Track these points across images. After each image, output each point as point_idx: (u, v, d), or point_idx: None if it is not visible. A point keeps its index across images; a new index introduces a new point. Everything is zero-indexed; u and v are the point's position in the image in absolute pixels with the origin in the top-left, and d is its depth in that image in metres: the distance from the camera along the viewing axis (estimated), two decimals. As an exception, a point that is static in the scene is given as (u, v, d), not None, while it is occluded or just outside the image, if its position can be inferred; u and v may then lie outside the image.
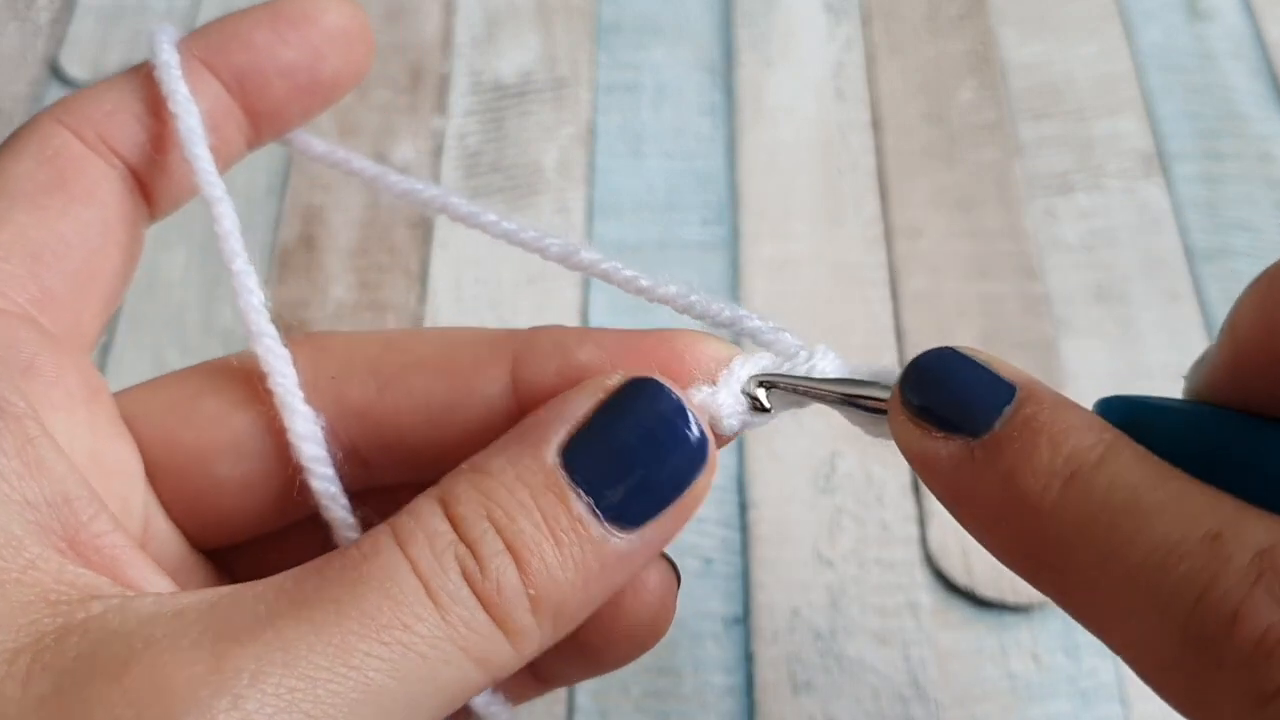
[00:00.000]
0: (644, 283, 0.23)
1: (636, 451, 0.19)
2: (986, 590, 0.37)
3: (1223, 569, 0.17)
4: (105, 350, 0.42)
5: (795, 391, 0.22)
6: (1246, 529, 0.17)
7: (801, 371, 0.22)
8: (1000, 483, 0.19)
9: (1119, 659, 0.19)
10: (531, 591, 0.18)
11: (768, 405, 0.22)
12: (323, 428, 0.22)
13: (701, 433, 0.20)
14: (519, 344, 0.22)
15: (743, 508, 0.38)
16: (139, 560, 0.19)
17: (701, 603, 0.37)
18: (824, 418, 0.24)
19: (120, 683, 0.16)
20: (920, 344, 0.42)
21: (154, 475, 0.22)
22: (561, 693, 0.35)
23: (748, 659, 0.36)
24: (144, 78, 0.23)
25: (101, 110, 0.22)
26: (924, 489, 0.38)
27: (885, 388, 0.21)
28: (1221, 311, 0.43)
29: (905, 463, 0.21)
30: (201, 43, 0.23)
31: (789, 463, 0.39)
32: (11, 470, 0.18)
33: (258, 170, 0.46)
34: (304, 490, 0.22)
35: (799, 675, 0.36)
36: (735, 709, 0.35)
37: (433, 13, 0.51)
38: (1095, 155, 0.47)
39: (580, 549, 0.19)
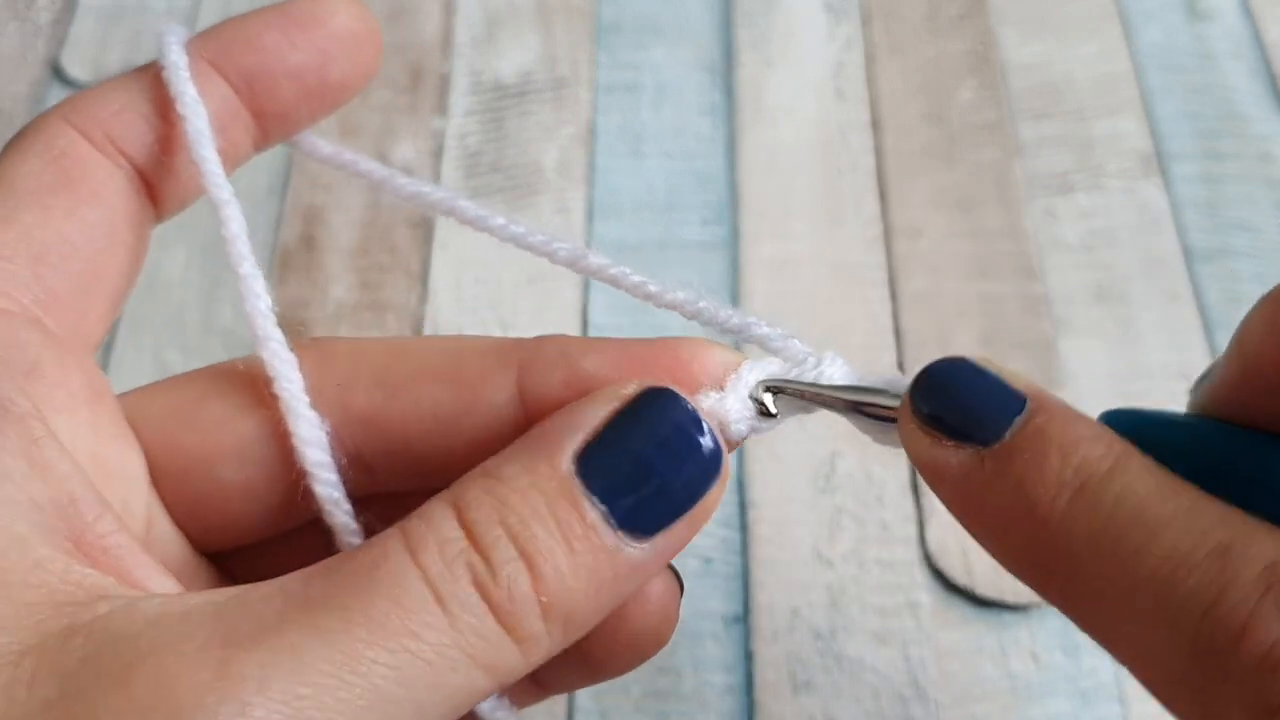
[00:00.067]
0: (652, 288, 0.23)
1: (651, 460, 0.19)
2: (986, 590, 0.37)
3: (1231, 582, 0.17)
4: (106, 350, 0.42)
5: (803, 397, 0.22)
6: (1255, 543, 0.17)
7: (809, 378, 0.22)
8: (1010, 492, 0.19)
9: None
10: (543, 599, 0.18)
11: (774, 411, 0.22)
12: (327, 433, 0.22)
13: (715, 443, 0.20)
14: (525, 353, 0.22)
15: (743, 507, 0.39)
16: (144, 560, 0.19)
17: (702, 602, 0.37)
18: (824, 418, 0.24)
19: (126, 688, 0.16)
20: (920, 344, 0.42)
21: (158, 478, 0.22)
22: (562, 692, 0.35)
23: (748, 658, 0.36)
24: (151, 78, 0.23)
25: (109, 110, 0.22)
26: (924, 489, 0.39)
27: (894, 395, 0.21)
28: (1221, 311, 0.43)
29: (905, 463, 0.21)
30: (210, 44, 0.23)
31: (789, 463, 0.39)
32: (17, 471, 0.18)
33: (259, 171, 0.46)
34: (307, 495, 0.22)
35: (799, 675, 0.36)
36: (735, 708, 0.35)
37: (433, 13, 0.51)
38: (1095, 155, 0.47)
39: (593, 557, 0.19)
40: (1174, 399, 0.40)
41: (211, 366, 0.23)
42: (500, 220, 0.24)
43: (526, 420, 0.22)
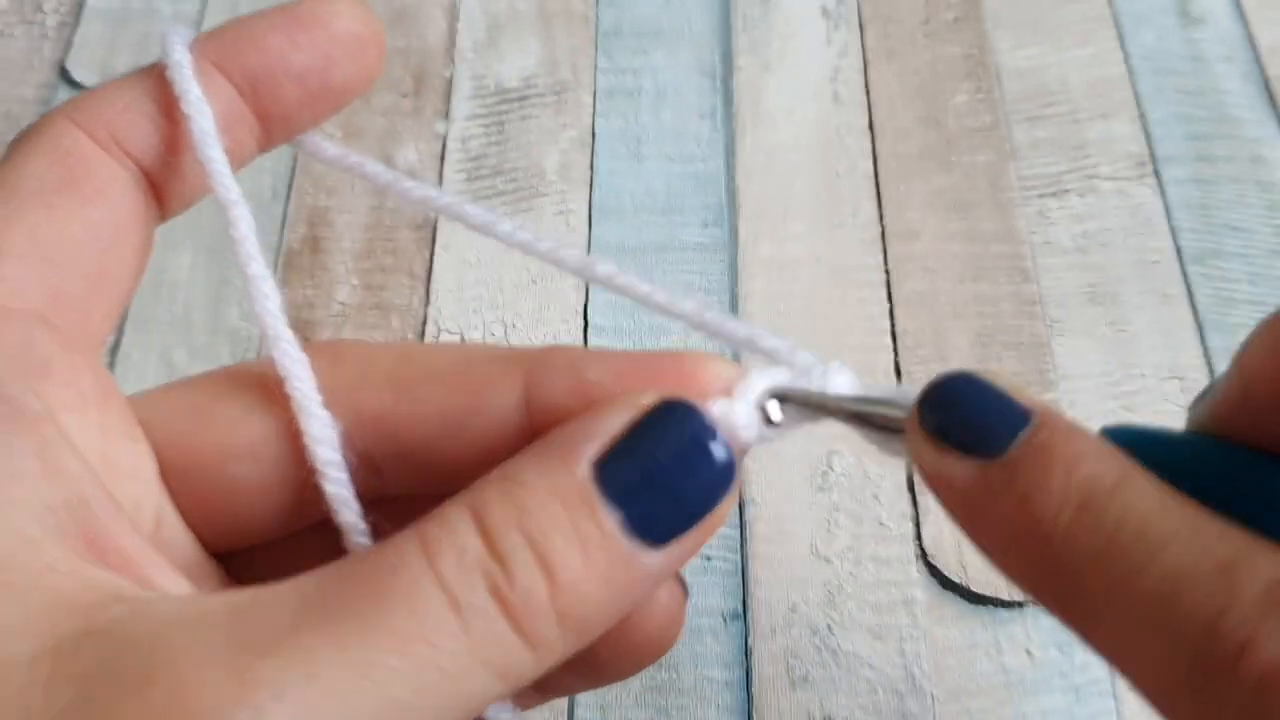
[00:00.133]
0: (659, 298, 0.23)
1: (667, 470, 0.19)
2: (980, 586, 0.37)
3: (1233, 600, 0.17)
4: (112, 350, 0.42)
5: (809, 406, 0.22)
6: (1258, 561, 0.17)
7: (816, 388, 0.22)
8: (1014, 505, 0.19)
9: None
10: (559, 605, 0.18)
11: (777, 419, 0.22)
12: (339, 433, 0.22)
13: (729, 454, 0.20)
14: (532, 361, 0.22)
15: (741, 505, 0.39)
16: (157, 560, 0.19)
17: (700, 598, 0.37)
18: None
19: (144, 694, 0.16)
20: (916, 344, 0.42)
21: (170, 477, 0.22)
22: (563, 687, 0.36)
23: (746, 654, 0.36)
24: (156, 78, 0.22)
25: (114, 110, 0.22)
26: (920, 488, 0.39)
27: (901, 407, 0.21)
28: (1214, 313, 0.43)
29: (901, 462, 0.21)
30: (214, 45, 0.23)
31: (786, 461, 0.40)
32: (29, 473, 0.18)
33: (264, 174, 0.46)
34: (316, 495, 0.22)
35: (796, 670, 0.36)
36: (733, 703, 0.36)
37: (436, 18, 0.51)
38: (1088, 158, 0.47)
39: (608, 563, 0.19)
40: (1167, 399, 0.41)
41: (224, 368, 0.23)
42: (507, 226, 0.23)
43: (531, 427, 0.22)
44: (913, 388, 0.21)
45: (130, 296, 0.23)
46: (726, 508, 0.20)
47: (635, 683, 0.36)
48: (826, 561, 0.38)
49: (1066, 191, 0.46)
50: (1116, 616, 0.18)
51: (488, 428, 0.22)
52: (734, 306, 0.43)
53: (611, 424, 0.20)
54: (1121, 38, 0.51)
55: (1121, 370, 0.42)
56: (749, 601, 0.37)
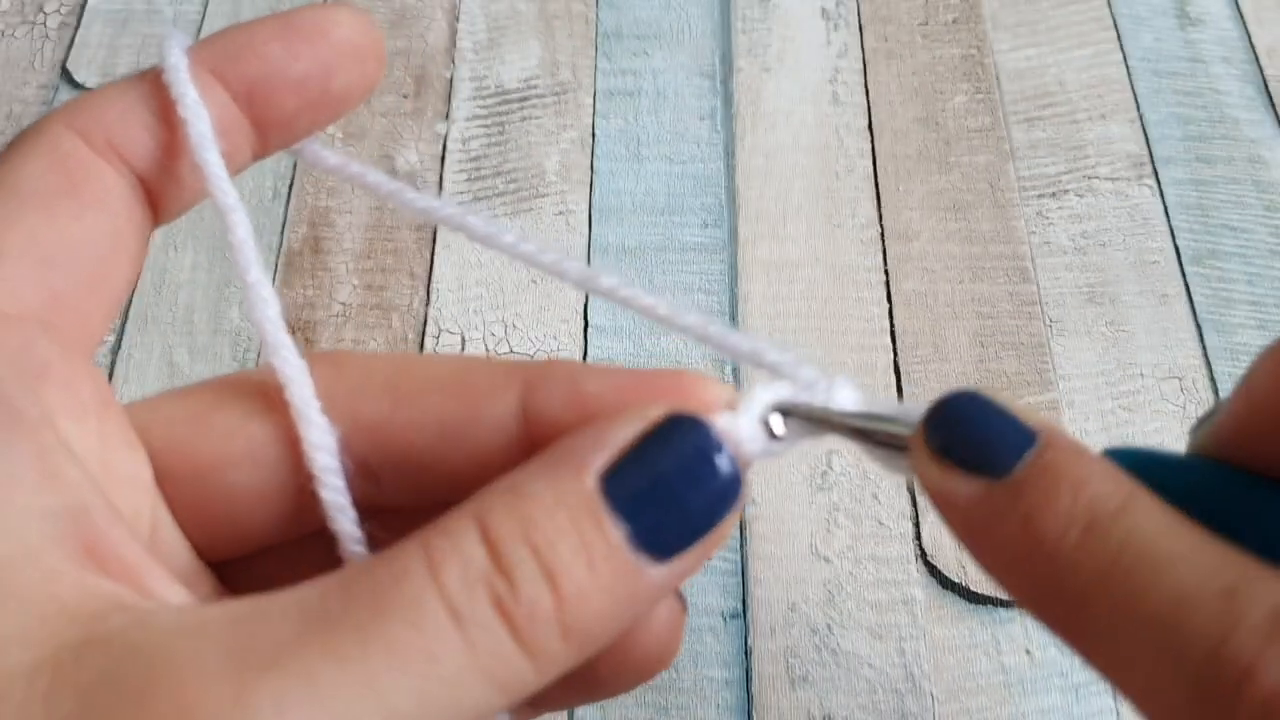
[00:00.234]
0: (663, 311, 0.22)
1: (674, 483, 0.19)
2: (980, 585, 0.37)
3: (1237, 624, 0.16)
4: (114, 350, 0.42)
5: (812, 420, 0.22)
6: (1263, 587, 0.17)
7: (819, 403, 0.22)
8: (1019, 525, 0.19)
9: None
10: (563, 617, 0.18)
11: (780, 433, 0.22)
12: (337, 440, 0.22)
13: (735, 469, 0.20)
14: (531, 373, 0.22)
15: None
16: (155, 568, 0.19)
17: (700, 598, 0.37)
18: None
19: (143, 706, 0.16)
20: (914, 345, 0.42)
21: (167, 483, 0.22)
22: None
23: (746, 653, 0.37)
24: (152, 83, 0.22)
25: (110, 115, 0.22)
26: (919, 488, 0.39)
27: (905, 424, 0.21)
28: (1211, 313, 0.43)
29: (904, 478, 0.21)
30: (211, 52, 0.23)
31: (786, 461, 0.40)
32: (29, 480, 0.18)
33: (265, 174, 0.47)
34: (313, 503, 0.22)
35: (796, 669, 0.36)
36: (733, 702, 0.36)
37: (437, 20, 0.51)
38: (1087, 159, 0.47)
39: (614, 576, 0.19)
40: (1165, 399, 0.41)
41: (223, 376, 0.23)
42: (510, 238, 0.23)
43: (527, 437, 0.22)
44: (917, 405, 0.21)
45: (124, 302, 0.23)
46: (731, 522, 0.20)
47: (635, 681, 0.36)
48: (826, 561, 0.38)
49: (1065, 192, 0.46)
50: (1120, 639, 0.18)
51: (484, 437, 0.22)
52: (733, 307, 0.43)
53: (619, 436, 0.19)
54: (1120, 39, 0.51)
55: (1120, 370, 0.42)
56: (749, 601, 0.37)
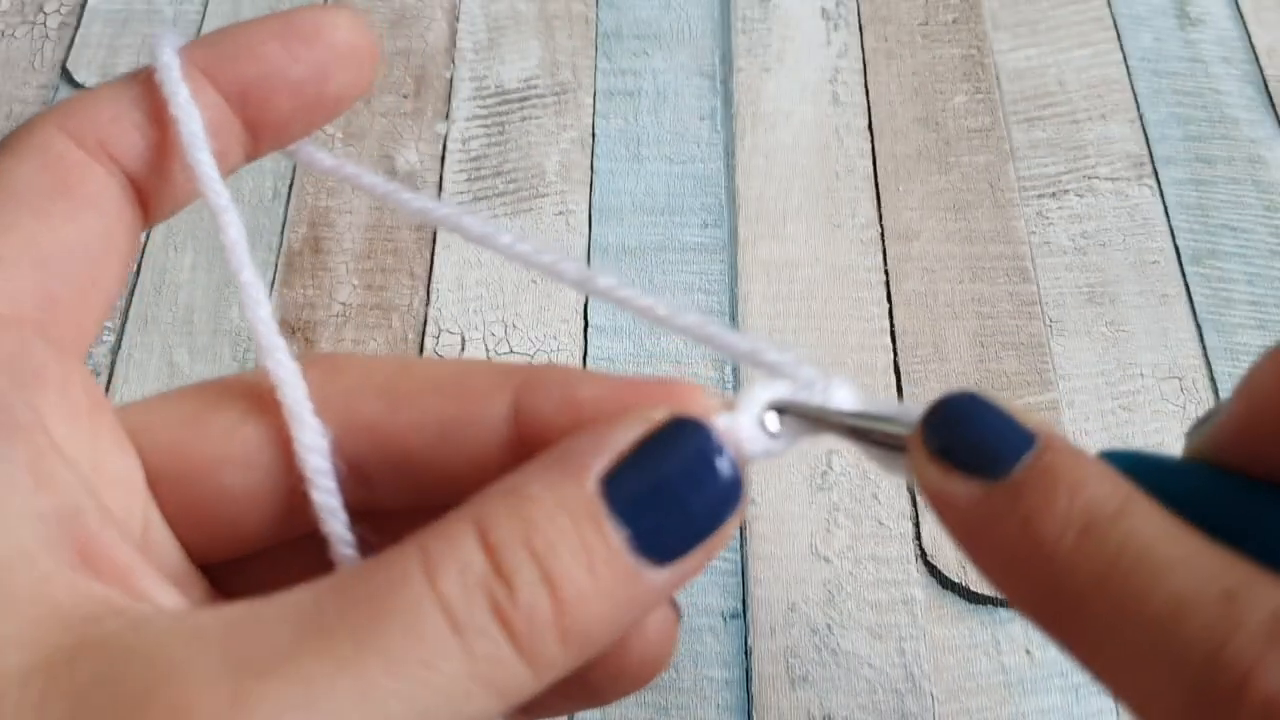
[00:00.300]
0: (661, 311, 0.22)
1: (675, 487, 0.19)
2: (980, 585, 0.37)
3: (1236, 629, 0.16)
4: (114, 350, 0.43)
5: (809, 419, 0.22)
6: (1262, 591, 0.17)
7: (817, 402, 0.22)
8: (1017, 527, 0.19)
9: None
10: (562, 622, 0.18)
11: (774, 429, 0.22)
12: (330, 442, 0.22)
13: (736, 473, 0.20)
14: (525, 376, 0.22)
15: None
16: (148, 571, 0.19)
17: (700, 598, 0.37)
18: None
19: (139, 712, 0.16)
20: (914, 345, 0.42)
21: (160, 485, 0.22)
22: (564, 686, 0.36)
23: (746, 653, 0.37)
24: (144, 83, 0.22)
25: (101, 115, 0.22)
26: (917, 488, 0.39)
27: (903, 425, 0.21)
28: (1211, 312, 0.43)
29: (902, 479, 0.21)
30: (205, 52, 0.22)
31: (786, 461, 0.40)
32: (23, 483, 0.18)
33: (265, 174, 0.47)
34: (305, 505, 0.22)
35: (796, 669, 0.36)
36: (733, 702, 0.36)
37: (437, 20, 0.51)
38: (1087, 159, 0.47)
39: (614, 581, 0.18)
40: (1165, 399, 0.41)
41: (217, 379, 0.23)
42: (506, 238, 0.23)
43: (520, 441, 0.21)
44: (915, 406, 0.21)
45: (115, 302, 0.23)
46: (732, 526, 0.20)
47: (635, 681, 0.36)
48: (826, 561, 0.38)
49: (1065, 192, 0.46)
50: (1117, 642, 0.18)
51: (478, 439, 0.22)
52: (733, 307, 0.43)
53: (620, 439, 0.19)
54: (1120, 39, 0.51)
55: (1120, 370, 0.42)
56: (749, 601, 0.37)
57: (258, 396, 0.22)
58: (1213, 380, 0.42)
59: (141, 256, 0.45)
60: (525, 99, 0.49)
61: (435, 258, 0.45)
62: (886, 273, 0.44)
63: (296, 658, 0.16)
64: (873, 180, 0.47)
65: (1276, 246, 0.45)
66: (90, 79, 0.49)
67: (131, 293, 0.44)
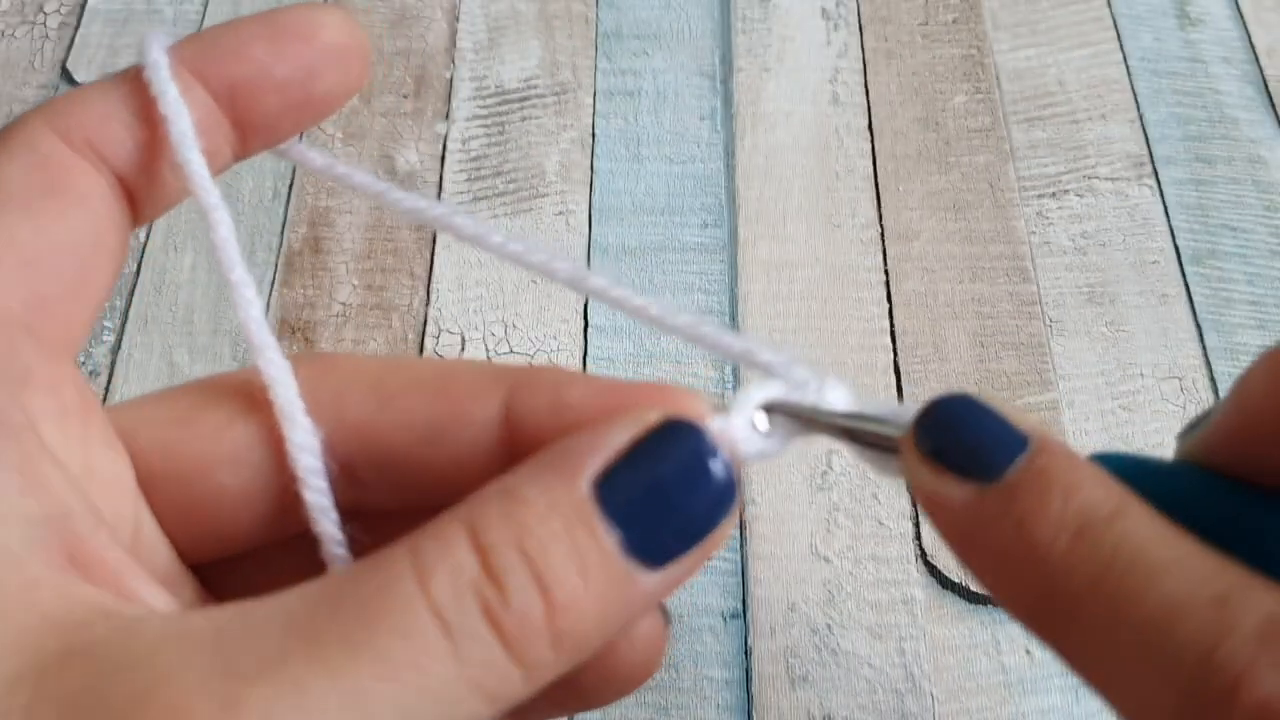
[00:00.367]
0: (654, 311, 0.22)
1: (669, 489, 0.19)
2: (980, 585, 0.37)
3: (1228, 633, 0.16)
4: (114, 350, 0.43)
5: (803, 419, 0.22)
6: (1254, 596, 0.17)
7: (810, 403, 0.22)
8: (1010, 530, 0.19)
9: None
10: (555, 625, 0.18)
11: (768, 431, 0.22)
12: (321, 440, 0.22)
13: (730, 476, 0.20)
14: (516, 377, 0.22)
15: (740, 505, 0.39)
16: (139, 574, 0.19)
17: (700, 598, 0.37)
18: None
19: (128, 719, 0.16)
20: (914, 345, 0.42)
21: (151, 484, 0.22)
22: (564, 686, 0.36)
23: (746, 653, 0.37)
24: (132, 82, 0.22)
25: (90, 114, 0.22)
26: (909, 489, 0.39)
27: (896, 426, 0.21)
28: (1211, 312, 0.43)
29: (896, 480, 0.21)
30: (193, 51, 0.22)
31: (786, 461, 0.40)
32: (11, 486, 0.18)
33: (265, 174, 0.47)
34: (296, 505, 0.22)
35: (796, 669, 0.36)
36: (733, 701, 0.36)
37: (437, 20, 0.51)
38: (1087, 159, 0.47)
39: (606, 584, 0.18)
40: (1165, 399, 0.41)
41: (208, 378, 0.23)
42: (498, 238, 0.23)
43: (509, 442, 0.21)
44: (909, 407, 0.21)
45: (105, 304, 0.23)
46: (726, 529, 0.20)
47: (635, 681, 0.36)
48: (826, 561, 0.38)
49: (1065, 192, 0.46)
50: (1109, 645, 0.18)
51: (468, 439, 0.22)
52: (733, 307, 0.44)
53: (614, 440, 0.19)
54: (1120, 39, 0.51)
55: (1120, 370, 0.42)
56: (749, 601, 0.37)
57: (248, 396, 0.22)
58: (1213, 380, 0.42)
59: (141, 256, 0.45)
60: (525, 99, 0.49)
61: (435, 258, 0.45)
62: (886, 273, 0.44)
63: (286, 661, 0.16)
64: (873, 180, 0.47)
65: (1276, 246, 0.45)
66: (90, 79, 0.49)
67: (131, 293, 0.44)
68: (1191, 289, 0.44)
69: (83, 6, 0.52)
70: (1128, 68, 0.50)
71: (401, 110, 0.48)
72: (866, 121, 0.48)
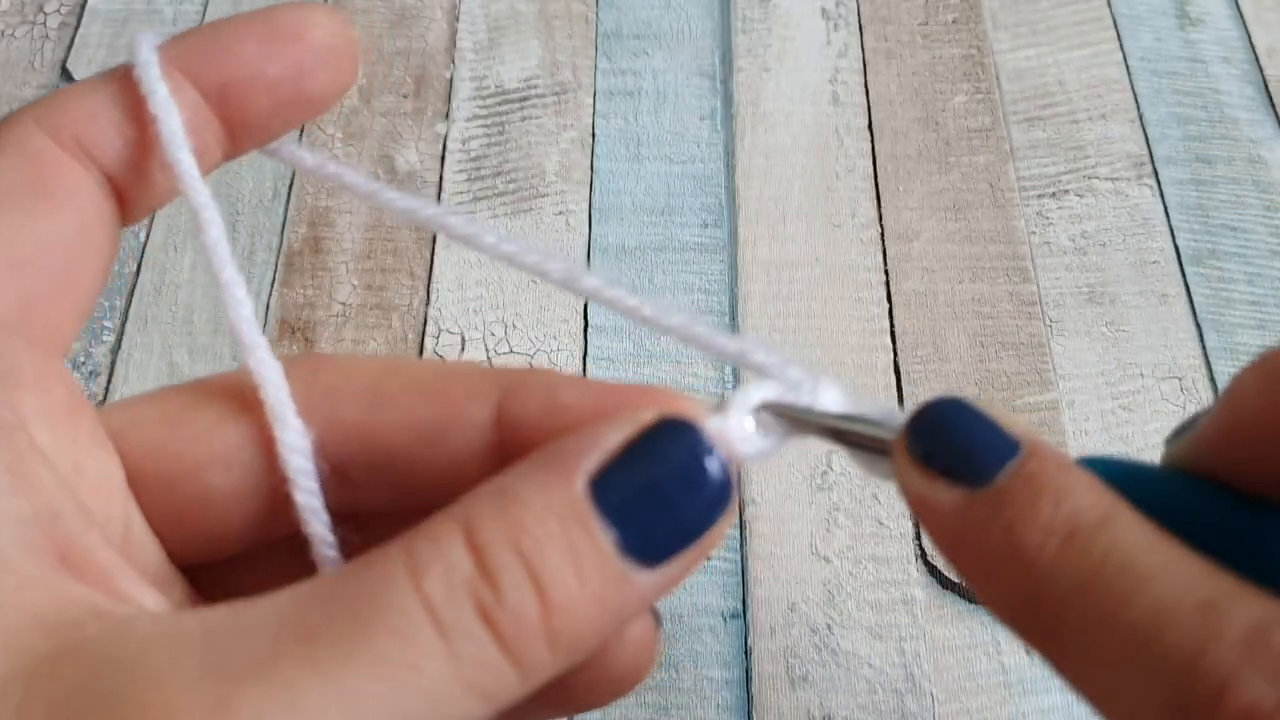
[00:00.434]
0: (647, 311, 0.22)
1: (665, 489, 0.19)
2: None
3: (1214, 639, 0.16)
4: (114, 350, 0.43)
5: (795, 420, 0.22)
6: (1241, 602, 0.17)
7: (804, 403, 0.22)
8: (1000, 535, 0.19)
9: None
10: (550, 625, 0.18)
11: (763, 431, 0.21)
12: (312, 441, 0.22)
13: (726, 475, 0.19)
14: (510, 380, 0.22)
15: (741, 505, 0.39)
16: (129, 573, 0.19)
17: (700, 598, 0.37)
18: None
19: None
20: (914, 345, 0.42)
21: (141, 485, 0.22)
22: (564, 686, 0.36)
23: (746, 653, 0.37)
24: (121, 81, 0.22)
25: (79, 113, 0.21)
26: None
27: (888, 429, 0.21)
28: (1211, 312, 0.43)
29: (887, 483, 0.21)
30: (183, 50, 0.22)
31: (786, 461, 0.40)
32: (2, 486, 0.18)
33: (265, 174, 0.47)
34: (287, 507, 0.21)
35: (796, 669, 0.36)
36: (733, 702, 0.36)
37: (437, 20, 0.51)
38: (1087, 159, 0.47)
39: (602, 583, 0.18)
40: (1165, 399, 0.41)
41: (200, 379, 0.23)
42: (491, 239, 0.23)
43: (502, 444, 0.21)
44: (901, 410, 0.21)
45: (95, 303, 0.22)
46: (722, 528, 0.20)
47: (635, 681, 0.36)
48: (826, 561, 0.38)
49: (1065, 192, 0.46)
50: (1095, 650, 0.18)
51: (461, 442, 0.22)
52: (733, 307, 0.44)
53: (610, 440, 0.19)
54: (1120, 39, 0.51)
55: (1120, 370, 0.42)
56: (749, 601, 0.37)
57: (240, 397, 0.22)
58: (1213, 380, 0.42)
59: (141, 256, 0.45)
60: (525, 99, 0.49)
61: (435, 258, 0.45)
62: (886, 273, 0.44)
63: (278, 662, 0.16)
64: (873, 180, 0.47)
65: (1276, 246, 0.45)
66: (90, 79, 0.49)
67: (131, 293, 0.44)
68: (1191, 289, 0.44)
69: (83, 6, 0.52)
70: (1128, 68, 0.50)
71: (401, 110, 0.48)
72: (866, 121, 0.48)
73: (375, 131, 0.48)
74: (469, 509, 0.18)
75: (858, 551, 0.38)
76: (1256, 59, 0.50)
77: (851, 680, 0.36)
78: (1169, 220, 0.46)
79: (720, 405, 0.21)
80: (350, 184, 0.24)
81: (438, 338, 0.43)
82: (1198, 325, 0.43)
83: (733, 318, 0.43)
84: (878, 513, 0.39)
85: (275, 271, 0.44)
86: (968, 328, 0.43)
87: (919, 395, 0.41)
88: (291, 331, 0.43)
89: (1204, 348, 0.43)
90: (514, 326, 0.43)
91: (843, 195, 0.46)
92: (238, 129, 0.23)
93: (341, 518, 0.22)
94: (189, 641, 0.17)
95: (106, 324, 0.43)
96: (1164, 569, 0.18)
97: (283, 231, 0.45)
